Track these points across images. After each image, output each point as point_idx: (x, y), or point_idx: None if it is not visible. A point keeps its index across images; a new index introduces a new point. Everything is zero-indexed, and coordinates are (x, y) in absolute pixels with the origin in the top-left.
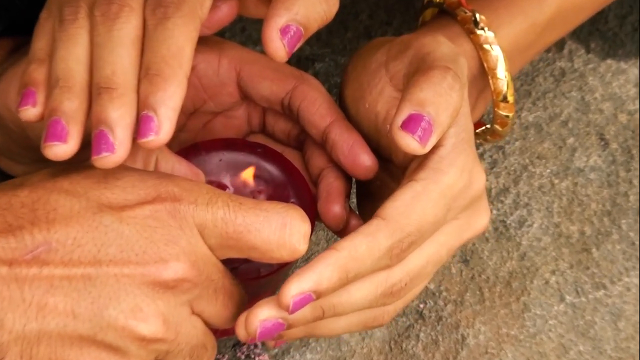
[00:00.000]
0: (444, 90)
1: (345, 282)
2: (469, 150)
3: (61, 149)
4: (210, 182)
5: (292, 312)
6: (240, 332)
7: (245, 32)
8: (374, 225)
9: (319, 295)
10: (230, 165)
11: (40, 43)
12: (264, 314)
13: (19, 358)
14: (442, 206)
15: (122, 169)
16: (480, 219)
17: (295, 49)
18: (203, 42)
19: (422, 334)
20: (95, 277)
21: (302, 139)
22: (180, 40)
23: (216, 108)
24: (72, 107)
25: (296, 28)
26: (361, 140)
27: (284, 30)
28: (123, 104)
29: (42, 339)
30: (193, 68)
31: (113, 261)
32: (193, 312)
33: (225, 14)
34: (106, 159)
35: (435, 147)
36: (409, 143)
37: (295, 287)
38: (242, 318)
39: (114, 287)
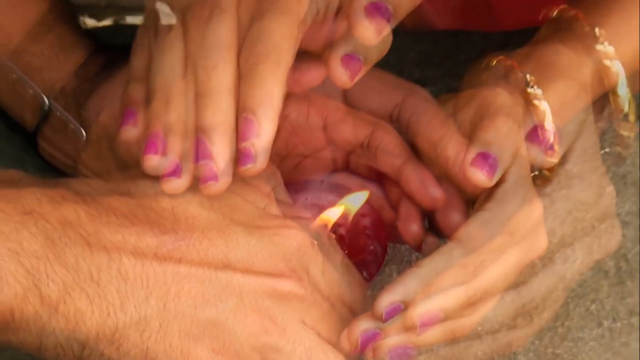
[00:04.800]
0: (506, 134)
1: (428, 294)
2: (527, 185)
3: (159, 163)
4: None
5: (384, 320)
6: (344, 345)
7: None
8: (450, 246)
9: (406, 305)
10: (315, 204)
11: (138, 61)
12: (363, 326)
13: (156, 330)
14: (506, 231)
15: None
16: (540, 243)
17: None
18: (294, 95)
19: None
20: (223, 273)
21: (383, 173)
22: (276, 36)
23: (305, 151)
24: (169, 118)
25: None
26: (430, 176)
27: (345, 60)
28: (220, 109)
29: (177, 317)
30: (286, 117)
31: (240, 262)
32: (305, 324)
33: (315, 75)
34: (205, 165)
35: (499, 182)
36: (479, 177)
37: (386, 299)
38: (345, 332)
39: (237, 287)
